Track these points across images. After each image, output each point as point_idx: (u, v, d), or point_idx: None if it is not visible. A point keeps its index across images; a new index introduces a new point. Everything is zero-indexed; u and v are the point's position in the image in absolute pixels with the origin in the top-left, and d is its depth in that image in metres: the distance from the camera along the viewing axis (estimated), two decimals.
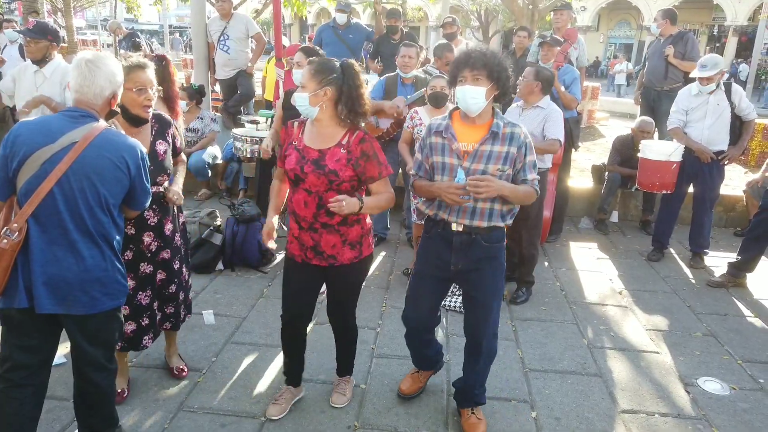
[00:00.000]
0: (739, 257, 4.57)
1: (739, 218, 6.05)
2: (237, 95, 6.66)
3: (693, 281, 4.74)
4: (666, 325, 3.97)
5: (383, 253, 5.04)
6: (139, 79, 2.52)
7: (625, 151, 5.81)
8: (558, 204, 5.28)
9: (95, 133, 2.04)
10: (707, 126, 4.80)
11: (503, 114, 4.37)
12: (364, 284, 4.34)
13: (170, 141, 2.80)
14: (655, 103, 6.27)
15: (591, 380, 3.26)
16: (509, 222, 2.63)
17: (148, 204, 2.31)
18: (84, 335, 2.16)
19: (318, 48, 4.12)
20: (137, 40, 8.54)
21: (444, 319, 3.86)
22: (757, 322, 4.06)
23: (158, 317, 2.91)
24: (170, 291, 2.92)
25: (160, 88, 2.88)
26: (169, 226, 2.84)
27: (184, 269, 3.00)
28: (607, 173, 5.90)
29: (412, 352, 3.00)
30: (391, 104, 4.60)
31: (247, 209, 4.58)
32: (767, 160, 5.58)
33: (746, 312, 4.20)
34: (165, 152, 2.74)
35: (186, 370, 3.13)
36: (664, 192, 5.04)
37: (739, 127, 4.84)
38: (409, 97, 4.62)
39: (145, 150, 2.21)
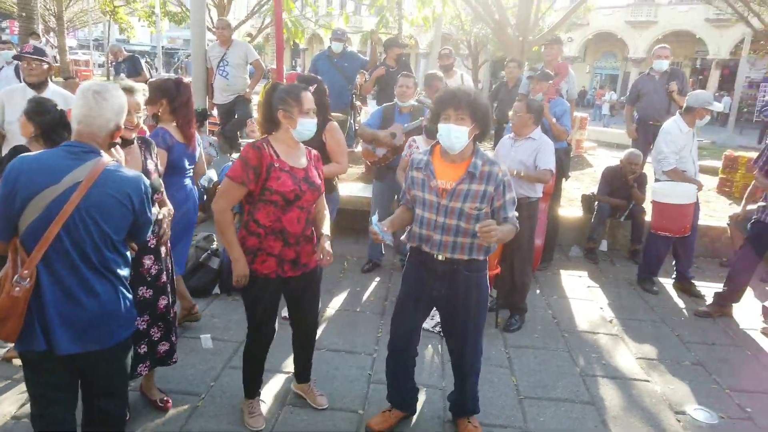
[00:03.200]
0: (726, 288, 4.69)
1: (725, 249, 6.19)
2: (234, 119, 6.76)
3: (681, 310, 4.84)
4: (656, 353, 4.05)
5: (378, 279, 5.10)
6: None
7: (615, 181, 5.96)
8: (549, 232, 5.39)
9: (99, 171, 2.00)
10: (695, 159, 4.99)
11: (496, 144, 4.58)
12: (359, 309, 4.47)
13: (155, 159, 2.87)
14: (656, 137, 6.39)
15: (584, 408, 3.32)
16: (491, 252, 2.74)
17: (149, 234, 2.32)
18: (100, 368, 2.17)
19: (314, 75, 4.24)
20: (138, 64, 8.63)
21: (439, 346, 3.91)
22: (744, 351, 4.15)
23: (161, 347, 2.92)
24: (171, 316, 2.96)
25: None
26: (163, 249, 2.89)
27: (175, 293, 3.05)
28: (596, 203, 6.04)
29: (390, 383, 3.01)
30: (385, 133, 4.72)
31: None
32: (746, 193, 5.74)
33: (733, 342, 4.30)
34: (155, 170, 2.81)
35: (170, 400, 3.07)
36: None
37: None
38: (406, 125, 4.74)
39: (147, 181, 2.20)
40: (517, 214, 2.70)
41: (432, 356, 3.80)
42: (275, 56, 5.09)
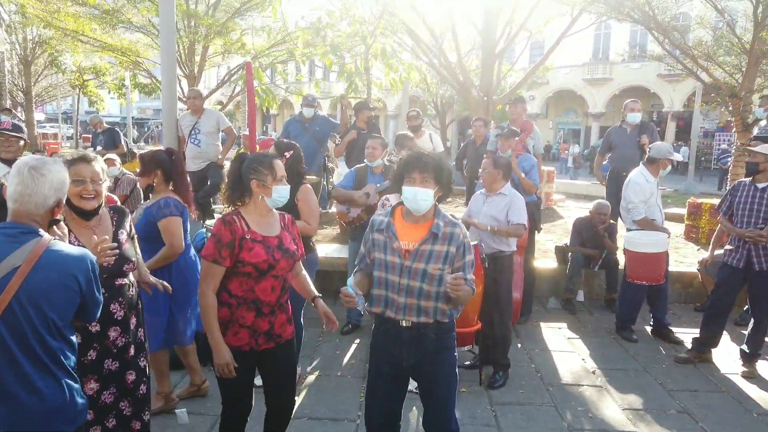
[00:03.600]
0: (702, 334, 4.73)
1: (697, 294, 6.30)
2: (207, 186, 6.76)
3: (661, 358, 4.84)
4: (641, 403, 4.02)
5: (358, 341, 5.01)
6: (79, 171, 2.50)
7: (585, 232, 6.08)
8: (526, 285, 5.42)
9: (39, 252, 1.84)
10: (660, 208, 5.14)
11: (468, 201, 4.66)
12: (340, 373, 4.37)
13: (129, 229, 2.80)
14: None
15: None
16: (455, 317, 2.65)
17: (98, 315, 2.12)
18: None
19: (291, 142, 4.29)
20: (116, 136, 8.70)
21: (415, 408, 3.82)
22: (727, 397, 4.15)
23: (134, 425, 2.77)
24: (141, 392, 2.81)
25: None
26: (133, 320, 2.78)
27: (148, 367, 2.90)
28: (570, 254, 6.12)
29: None
30: (360, 194, 4.77)
31: None
32: (713, 239, 5.89)
33: (715, 387, 4.30)
34: (126, 240, 2.75)
35: None
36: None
37: None
38: (379, 185, 4.80)
39: (94, 258, 2.04)
40: (473, 278, 2.63)
41: (417, 419, 3.70)
42: (246, 122, 5.17)
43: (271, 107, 8.98)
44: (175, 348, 3.77)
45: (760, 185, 4.32)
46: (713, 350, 4.75)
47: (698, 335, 4.75)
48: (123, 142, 8.81)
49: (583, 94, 32.99)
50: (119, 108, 43.25)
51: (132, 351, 2.75)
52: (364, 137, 6.37)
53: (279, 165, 2.67)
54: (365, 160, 4.98)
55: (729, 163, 19.77)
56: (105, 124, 9.31)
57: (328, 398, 3.94)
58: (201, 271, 2.62)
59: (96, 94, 26.99)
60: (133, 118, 29.34)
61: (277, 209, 2.75)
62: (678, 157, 5.24)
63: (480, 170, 4.45)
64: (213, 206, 6.97)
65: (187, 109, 7.04)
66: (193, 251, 3.71)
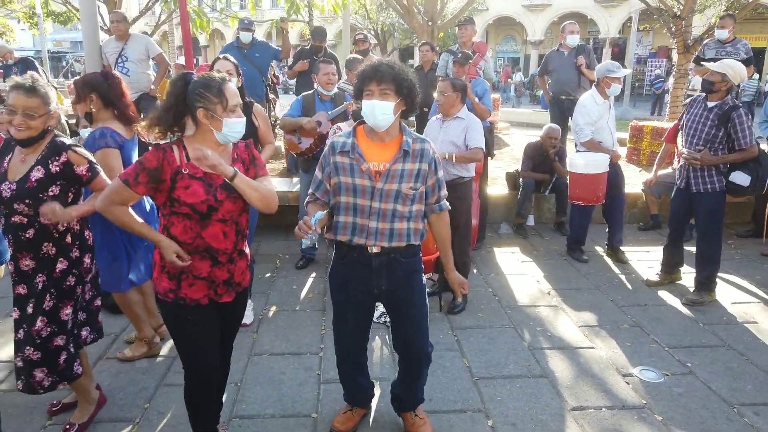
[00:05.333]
0: (664, 255, 4.77)
1: (641, 214, 6.50)
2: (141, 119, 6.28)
3: (611, 276, 4.99)
4: (595, 320, 4.14)
5: (314, 275, 4.89)
6: (14, 100, 2.41)
7: (537, 157, 6.08)
8: (480, 211, 5.40)
9: None
10: (612, 130, 5.15)
11: (426, 127, 4.50)
12: (298, 308, 4.27)
13: (54, 170, 2.46)
14: (569, 111, 6.49)
15: (538, 382, 3.31)
16: (424, 239, 2.57)
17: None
18: None
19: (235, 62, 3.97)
20: (32, 67, 7.86)
21: (387, 336, 3.79)
22: (673, 309, 4.33)
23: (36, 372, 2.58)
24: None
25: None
26: (27, 262, 2.52)
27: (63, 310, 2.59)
28: (521, 179, 6.13)
29: (345, 385, 2.85)
30: (309, 120, 4.51)
31: None
32: (657, 159, 6.01)
33: (662, 302, 4.47)
34: (38, 181, 2.43)
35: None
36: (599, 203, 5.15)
37: None
38: (329, 112, 4.56)
39: None
40: (446, 194, 2.59)
41: (381, 348, 3.67)
42: (178, 53, 4.72)
43: (204, 31, 8.33)
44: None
45: (710, 104, 4.32)
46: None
47: (662, 258, 4.80)
48: (42, 73, 8.01)
49: (523, 21, 32.74)
50: (32, 40, 39.69)
51: (21, 290, 2.55)
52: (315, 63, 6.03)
53: (231, 91, 2.21)
54: (318, 88, 4.67)
55: (662, 88, 20.42)
56: (15, 55, 8.40)
57: (289, 333, 3.84)
58: (108, 188, 2.26)
59: (4, 24, 24.51)
60: (48, 51, 26.87)
61: None
62: (623, 72, 5.14)
63: (436, 94, 4.27)
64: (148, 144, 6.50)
65: (111, 35, 6.41)
66: None
